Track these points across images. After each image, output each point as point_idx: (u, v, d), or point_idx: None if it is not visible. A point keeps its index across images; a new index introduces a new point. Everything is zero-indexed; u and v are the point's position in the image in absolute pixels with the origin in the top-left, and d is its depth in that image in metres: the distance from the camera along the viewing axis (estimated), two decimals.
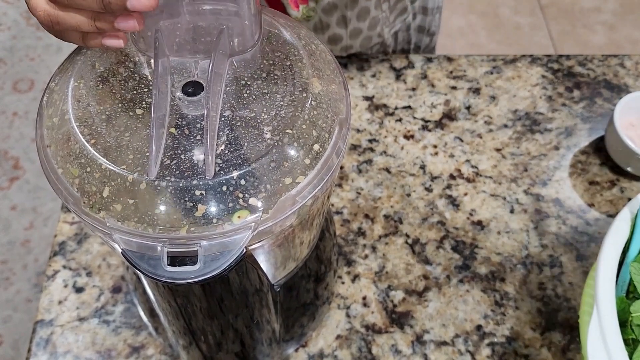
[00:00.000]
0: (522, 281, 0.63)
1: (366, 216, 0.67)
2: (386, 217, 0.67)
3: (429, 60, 0.81)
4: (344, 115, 0.40)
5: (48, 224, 1.54)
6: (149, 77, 0.38)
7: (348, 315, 0.61)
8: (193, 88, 0.37)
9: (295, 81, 0.39)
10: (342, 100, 0.40)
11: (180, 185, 0.34)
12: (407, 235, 0.66)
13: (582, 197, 0.69)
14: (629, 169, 0.70)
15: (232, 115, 0.37)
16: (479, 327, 0.60)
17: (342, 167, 0.71)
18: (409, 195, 0.69)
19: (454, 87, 0.78)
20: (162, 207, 0.34)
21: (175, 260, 0.34)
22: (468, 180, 0.70)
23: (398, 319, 0.61)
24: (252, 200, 0.35)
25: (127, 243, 0.34)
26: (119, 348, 0.59)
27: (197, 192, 0.34)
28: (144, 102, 0.37)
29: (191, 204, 0.34)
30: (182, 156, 0.35)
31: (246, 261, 0.41)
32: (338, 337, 0.60)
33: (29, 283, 1.44)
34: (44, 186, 1.60)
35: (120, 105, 0.37)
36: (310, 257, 0.51)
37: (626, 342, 0.44)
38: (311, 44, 0.42)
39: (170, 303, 0.47)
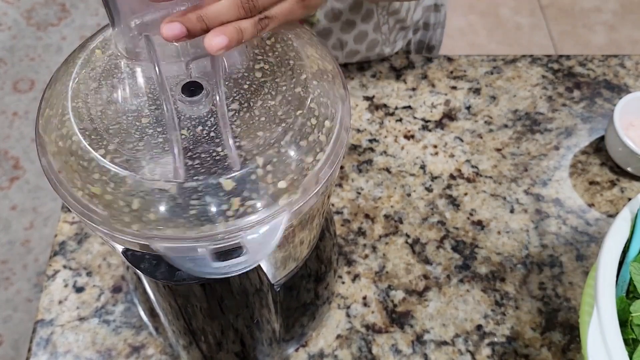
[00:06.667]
0: (522, 281, 0.63)
1: (366, 216, 0.67)
2: (386, 217, 0.67)
3: (429, 60, 0.81)
4: (342, 89, 0.41)
5: (48, 223, 1.54)
6: (144, 85, 0.38)
7: (348, 315, 0.61)
8: (193, 88, 0.37)
9: (290, 63, 0.40)
10: (337, 76, 0.41)
11: (210, 182, 0.34)
12: (408, 235, 0.66)
13: (582, 197, 0.69)
14: (629, 169, 0.70)
15: (240, 107, 0.37)
16: (479, 327, 0.60)
17: (342, 167, 0.71)
18: (409, 195, 0.69)
19: (454, 87, 0.78)
20: (197, 207, 0.34)
21: (220, 255, 0.35)
22: (468, 180, 0.70)
23: (398, 318, 0.61)
24: (280, 184, 0.35)
25: (169, 249, 0.34)
26: (119, 348, 0.59)
27: (227, 186, 0.34)
28: (146, 110, 0.37)
29: (225, 198, 0.34)
30: (203, 155, 0.35)
31: None
32: (338, 336, 0.60)
33: (29, 283, 1.44)
34: (44, 186, 1.60)
35: (125, 117, 0.37)
36: (310, 257, 0.51)
37: (626, 341, 0.44)
38: (296, 30, 0.43)
39: (170, 303, 0.47)
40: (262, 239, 0.35)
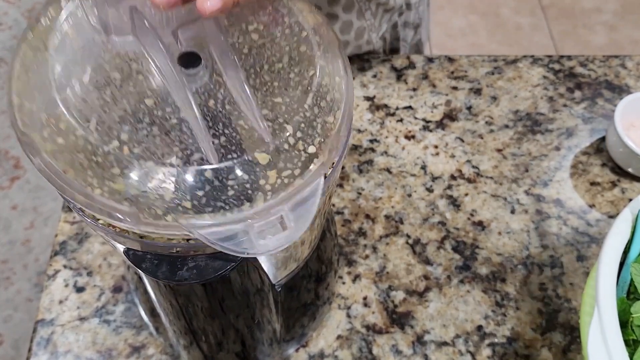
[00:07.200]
0: (523, 282, 0.63)
1: (367, 216, 0.67)
2: (387, 217, 0.67)
3: (430, 60, 0.81)
4: (335, 39, 0.39)
5: (49, 223, 1.54)
6: (134, 61, 0.35)
7: (349, 316, 0.61)
8: (190, 59, 0.34)
9: (286, 20, 0.37)
10: (328, 27, 0.40)
11: (245, 159, 0.32)
12: (408, 236, 0.66)
13: (583, 198, 0.69)
14: (629, 170, 0.70)
15: (247, 75, 0.35)
16: (479, 328, 0.60)
17: (343, 167, 0.71)
18: (409, 195, 0.69)
19: (455, 88, 0.78)
20: (235, 188, 0.32)
21: (263, 233, 0.33)
22: (469, 180, 0.70)
23: (399, 319, 0.61)
24: (310, 149, 0.34)
25: (212, 234, 0.32)
26: (119, 348, 0.59)
27: (263, 160, 0.32)
28: (147, 90, 0.34)
29: (261, 173, 0.32)
30: (226, 131, 0.33)
31: (248, 260, 0.41)
32: (339, 337, 0.60)
33: (30, 283, 1.44)
34: (44, 186, 1.60)
35: (126, 100, 0.34)
36: (311, 257, 0.51)
37: (627, 342, 0.44)
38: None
39: (171, 303, 0.47)
40: (302, 209, 0.33)
